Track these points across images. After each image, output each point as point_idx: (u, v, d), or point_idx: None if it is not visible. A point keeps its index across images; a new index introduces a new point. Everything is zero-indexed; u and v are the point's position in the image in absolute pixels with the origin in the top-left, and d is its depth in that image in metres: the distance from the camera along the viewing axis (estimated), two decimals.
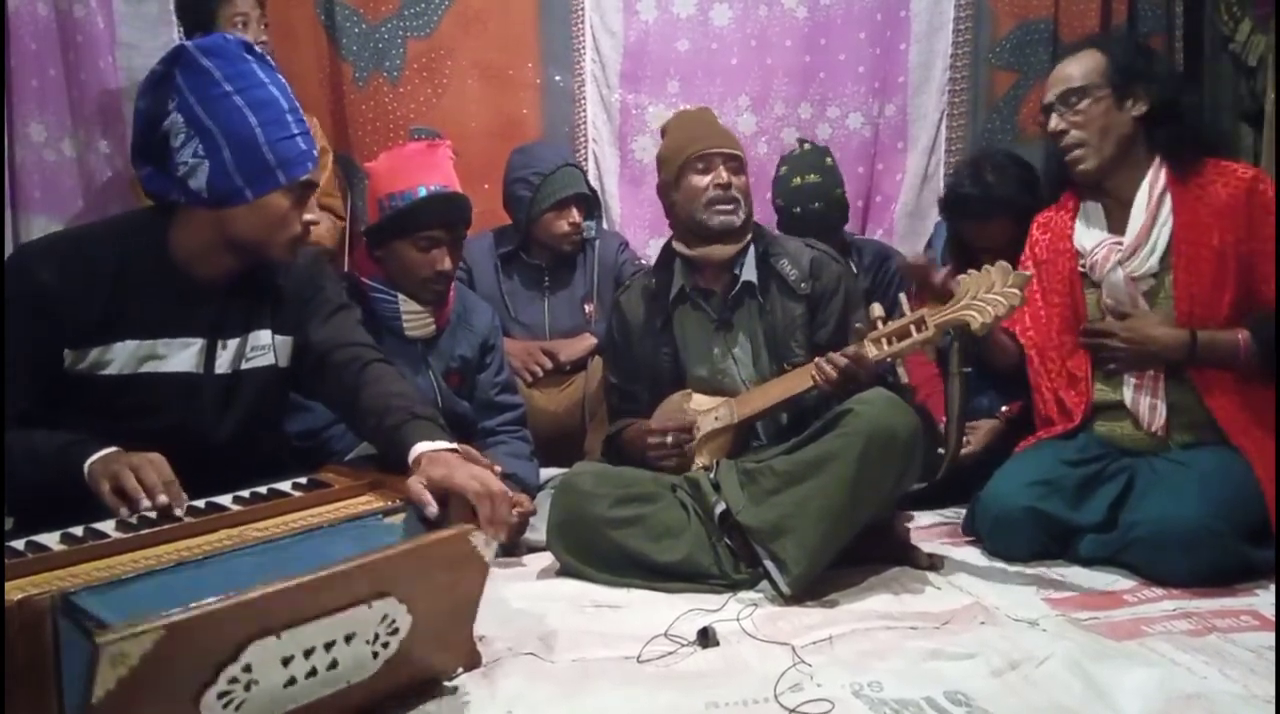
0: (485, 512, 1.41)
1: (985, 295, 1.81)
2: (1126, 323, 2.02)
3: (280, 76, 1.61)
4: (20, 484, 1.50)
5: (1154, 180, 2.04)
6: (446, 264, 2.20)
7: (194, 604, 1.08)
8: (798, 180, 2.82)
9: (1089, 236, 2.12)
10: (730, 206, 2.14)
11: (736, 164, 2.19)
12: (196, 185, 1.54)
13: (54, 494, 1.44)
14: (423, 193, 2.16)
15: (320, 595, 1.20)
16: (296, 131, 1.58)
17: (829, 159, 2.90)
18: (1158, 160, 2.06)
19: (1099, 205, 2.13)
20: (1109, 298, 2.07)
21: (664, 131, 2.32)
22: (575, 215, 2.81)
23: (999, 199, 2.43)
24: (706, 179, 2.15)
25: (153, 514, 1.37)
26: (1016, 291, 1.78)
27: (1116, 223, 2.09)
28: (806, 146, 2.93)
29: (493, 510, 1.41)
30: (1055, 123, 2.08)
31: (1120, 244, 2.05)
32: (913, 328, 1.89)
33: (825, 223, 2.77)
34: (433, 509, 1.42)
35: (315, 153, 1.62)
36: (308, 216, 1.63)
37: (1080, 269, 2.13)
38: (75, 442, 1.48)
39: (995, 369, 2.28)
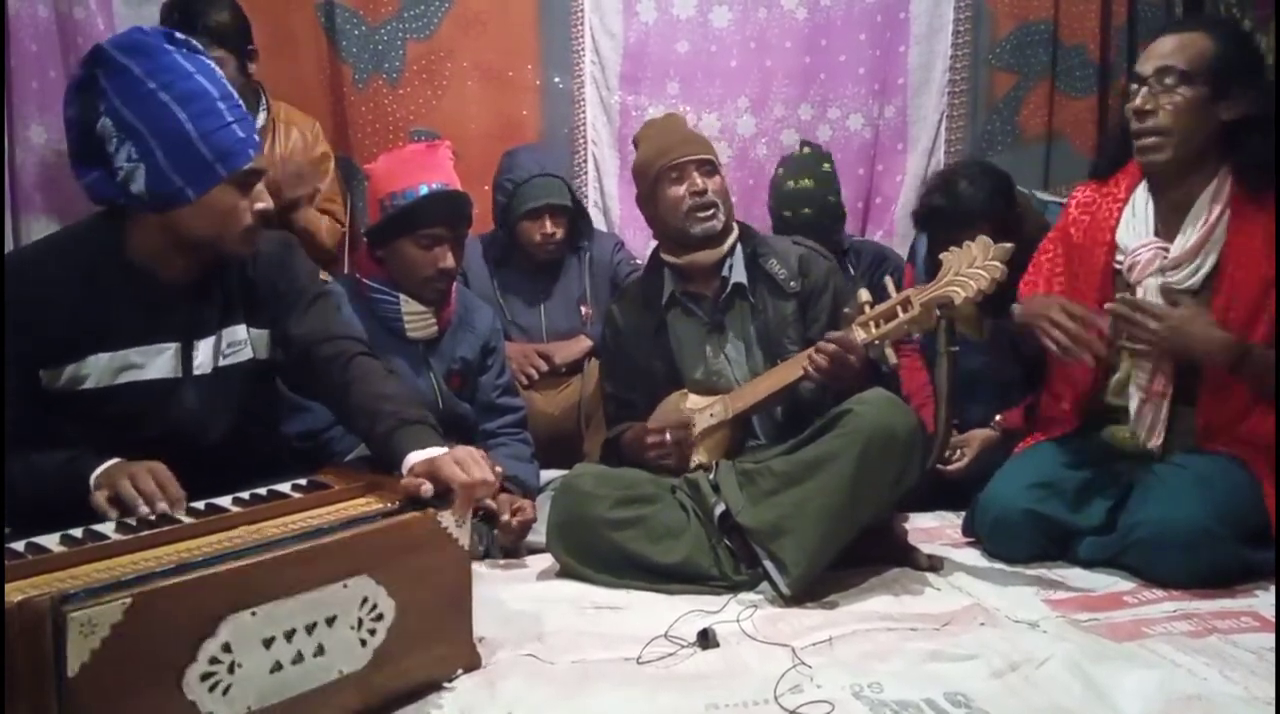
0: (464, 499, 1.43)
1: (968, 270, 1.80)
2: (1175, 311, 1.86)
3: (209, 62, 1.55)
4: (22, 503, 1.48)
5: (1218, 193, 1.91)
6: (449, 262, 2.20)
7: (161, 574, 1.12)
8: (791, 184, 2.81)
9: (1133, 234, 2.00)
10: (709, 212, 2.15)
11: (710, 167, 2.19)
12: (137, 189, 1.50)
13: (56, 511, 1.42)
14: (424, 191, 2.15)
15: (288, 570, 1.24)
16: (231, 119, 1.51)
17: (827, 164, 2.88)
18: (1225, 171, 1.92)
19: (1151, 201, 2.00)
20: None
21: (635, 143, 2.32)
22: (548, 225, 2.79)
23: (971, 211, 2.34)
24: (681, 188, 2.16)
25: (151, 517, 1.37)
26: (998, 264, 1.76)
27: (1167, 226, 1.96)
28: (806, 149, 2.92)
29: (470, 496, 1.44)
30: (1143, 100, 1.91)
31: (1165, 251, 1.95)
32: (899, 308, 1.89)
33: (817, 228, 2.75)
34: (427, 488, 1.42)
35: (256, 138, 1.56)
36: (259, 205, 1.58)
37: (1116, 266, 2.03)
38: (77, 457, 1.47)
39: (1032, 353, 2.15)
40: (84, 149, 1.54)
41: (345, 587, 1.29)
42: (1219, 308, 1.90)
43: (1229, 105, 1.89)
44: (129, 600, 1.07)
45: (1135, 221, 2.01)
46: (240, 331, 1.68)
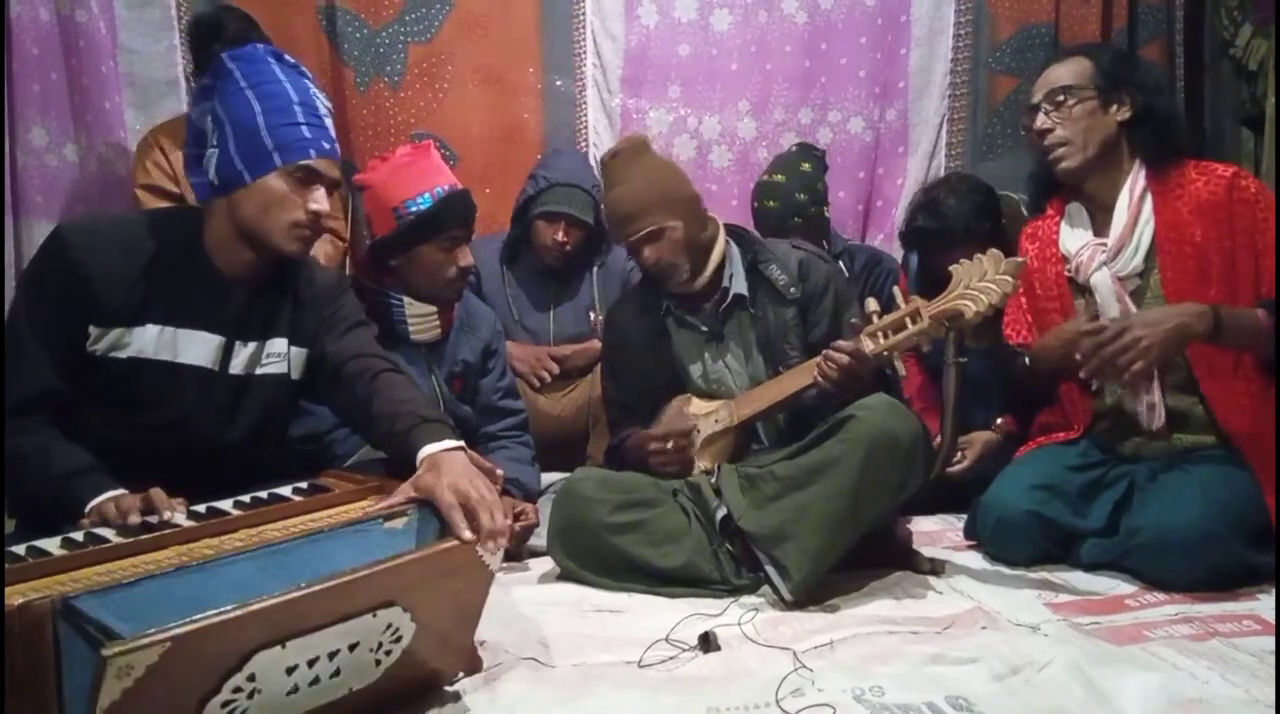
0: (456, 521, 1.36)
1: (978, 283, 1.80)
2: (1136, 316, 1.89)
3: (306, 81, 1.64)
4: (26, 494, 1.52)
5: (1134, 182, 2.05)
6: (469, 258, 2.22)
7: (201, 615, 1.07)
8: (766, 177, 2.88)
9: (1074, 240, 2.12)
10: (671, 274, 2.15)
11: (654, 233, 2.11)
12: (211, 174, 1.59)
13: (52, 511, 1.44)
14: (439, 193, 2.16)
15: (329, 605, 1.20)
16: (302, 120, 1.59)
17: (806, 165, 2.88)
18: (1138, 163, 2.07)
19: (1083, 209, 2.13)
20: (1098, 297, 2.05)
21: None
22: (561, 234, 2.80)
23: (955, 229, 2.42)
24: (642, 258, 2.16)
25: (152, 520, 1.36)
26: (1009, 278, 1.77)
27: (1100, 225, 2.10)
28: (794, 148, 2.96)
29: (473, 521, 1.36)
30: (1040, 121, 2.08)
31: (1104, 245, 2.05)
32: (908, 320, 1.89)
33: (783, 221, 2.80)
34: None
35: (327, 144, 1.63)
36: (313, 205, 1.62)
37: (1067, 273, 2.12)
38: (85, 471, 1.47)
39: (1039, 387, 2.23)
40: (196, 151, 1.64)
41: (375, 616, 1.26)
42: (1167, 281, 2.00)
43: (1119, 108, 2.06)
44: (168, 645, 1.03)
45: (1073, 229, 2.14)
46: (281, 344, 1.72)
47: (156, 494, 1.39)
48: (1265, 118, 3.08)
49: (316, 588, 1.17)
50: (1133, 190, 2.05)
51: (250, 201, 1.59)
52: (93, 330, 1.56)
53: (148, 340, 1.60)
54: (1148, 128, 2.05)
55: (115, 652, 1.00)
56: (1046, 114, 2.07)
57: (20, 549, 1.26)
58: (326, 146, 1.63)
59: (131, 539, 1.30)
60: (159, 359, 1.61)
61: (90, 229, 1.61)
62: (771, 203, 2.82)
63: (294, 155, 1.58)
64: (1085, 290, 2.09)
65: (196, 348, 1.64)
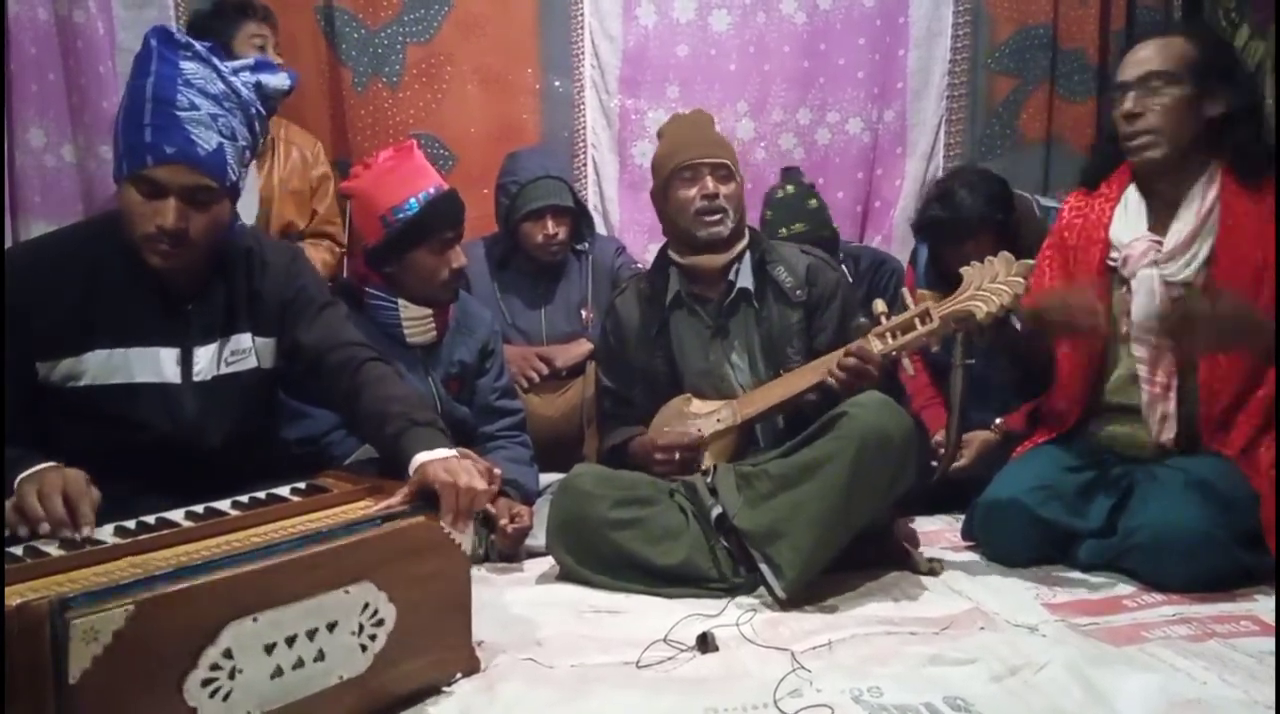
0: (448, 501, 1.38)
1: (989, 285, 1.82)
2: (1222, 304, 1.79)
3: (181, 65, 1.51)
4: None
5: (1209, 187, 1.96)
6: (462, 259, 2.22)
7: (165, 582, 1.11)
8: (784, 232, 2.75)
9: (1127, 229, 2.02)
10: (717, 217, 2.14)
11: (726, 172, 2.18)
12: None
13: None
14: (425, 198, 2.15)
15: (290, 576, 1.24)
16: (148, 121, 1.47)
17: (813, 201, 2.84)
18: (1214, 165, 1.97)
19: (1143, 199, 2.03)
20: (1135, 294, 1.96)
21: (659, 135, 2.33)
22: (551, 227, 2.79)
23: (969, 220, 2.40)
24: (693, 190, 2.15)
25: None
26: (1020, 280, 1.79)
27: (1159, 221, 2.00)
28: (790, 188, 2.87)
29: (456, 501, 1.40)
30: (1132, 103, 1.96)
31: (1159, 244, 1.97)
32: (917, 321, 1.90)
33: None
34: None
35: (170, 148, 1.48)
36: (158, 220, 1.49)
37: (1110, 262, 2.04)
38: (21, 457, 1.42)
39: (1033, 361, 2.17)
40: None
41: (347, 593, 1.29)
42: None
43: (1212, 102, 1.95)
44: (131, 607, 1.07)
45: (1128, 218, 2.05)
46: (245, 340, 1.68)
47: (74, 485, 1.32)
48: None
49: (280, 560, 1.23)
50: (1205, 195, 1.95)
51: (122, 212, 1.53)
52: (40, 366, 1.52)
53: (99, 367, 1.55)
54: (1240, 130, 1.94)
55: (79, 613, 1.04)
56: (1139, 97, 1.96)
57: (18, 550, 1.27)
58: (169, 151, 1.47)
59: (130, 540, 1.30)
60: (117, 383, 1.56)
61: (19, 261, 1.55)
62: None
63: (133, 163, 1.49)
64: (1124, 282, 2.01)
65: (153, 365, 1.58)
